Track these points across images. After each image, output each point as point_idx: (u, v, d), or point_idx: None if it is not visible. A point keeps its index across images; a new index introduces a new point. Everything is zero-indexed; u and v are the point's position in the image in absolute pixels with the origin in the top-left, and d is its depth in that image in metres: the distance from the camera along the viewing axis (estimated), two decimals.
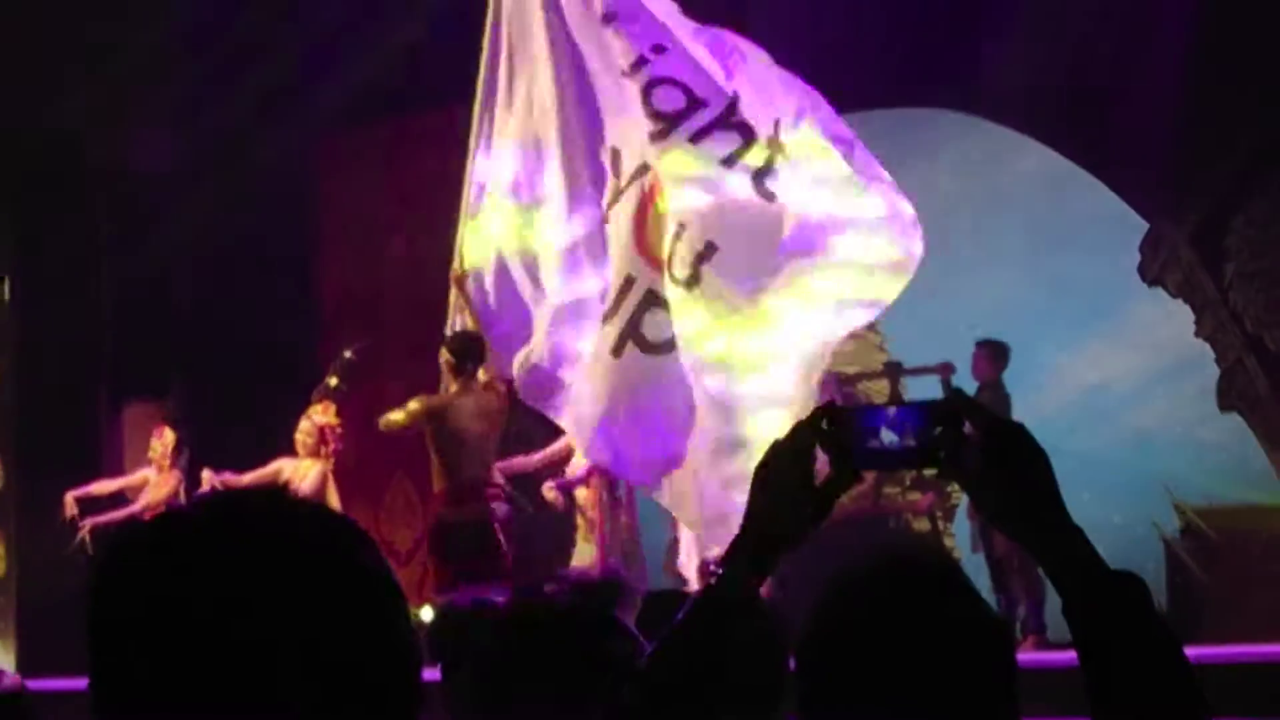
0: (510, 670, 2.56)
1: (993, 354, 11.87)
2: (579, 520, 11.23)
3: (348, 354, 12.65)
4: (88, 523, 12.18)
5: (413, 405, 10.13)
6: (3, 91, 14.49)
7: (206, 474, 11.68)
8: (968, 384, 11.48)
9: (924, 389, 12.51)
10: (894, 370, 12.95)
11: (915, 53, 13.04)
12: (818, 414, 2.13)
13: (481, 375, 10.02)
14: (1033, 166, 12.80)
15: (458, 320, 10.09)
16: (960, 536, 12.27)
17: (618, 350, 9.20)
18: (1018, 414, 11.19)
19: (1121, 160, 12.35)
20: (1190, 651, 2.00)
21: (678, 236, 8.98)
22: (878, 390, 13.02)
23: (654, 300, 9.17)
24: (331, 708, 1.28)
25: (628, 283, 9.27)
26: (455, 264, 9.95)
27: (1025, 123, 12.75)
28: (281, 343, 13.70)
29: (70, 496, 12.25)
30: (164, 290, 16.02)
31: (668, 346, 9.09)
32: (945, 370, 12.31)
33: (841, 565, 2.13)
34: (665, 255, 9.06)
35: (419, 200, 15.77)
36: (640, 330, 9.19)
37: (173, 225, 15.04)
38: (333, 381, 12.38)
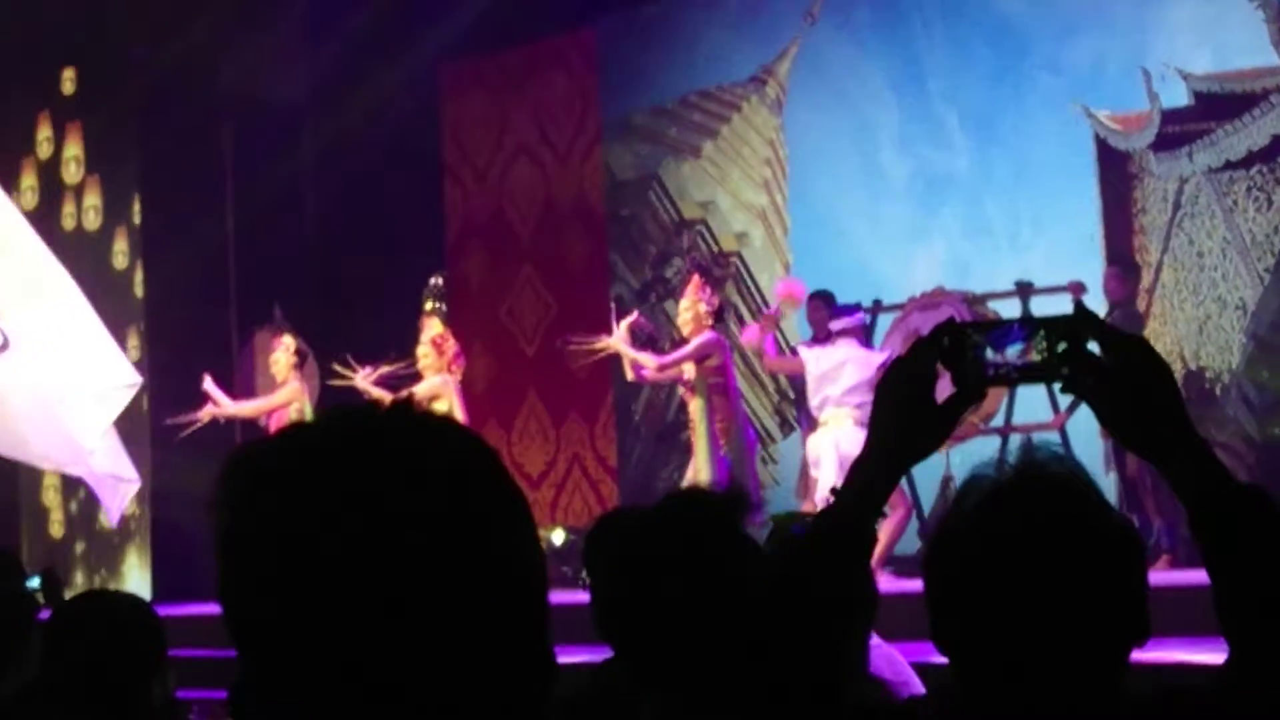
0: (639, 581, 2.57)
1: (1124, 273, 11.74)
2: (691, 435, 11.52)
3: (434, 280, 12.91)
4: (207, 410, 12.45)
5: None
6: (131, 17, 14.62)
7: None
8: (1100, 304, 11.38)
9: (1055, 309, 12.36)
10: (1024, 290, 12.81)
11: None
12: (938, 331, 2.10)
13: None
14: None
15: None
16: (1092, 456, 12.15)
17: None
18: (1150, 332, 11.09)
19: None
20: None
21: None
22: (1008, 310, 12.88)
23: None
24: (462, 633, 1.27)
25: None
26: None
27: None
28: (406, 270, 13.77)
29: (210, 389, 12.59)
30: (289, 217, 16.16)
31: None
32: (1076, 290, 12.17)
33: (970, 474, 2.12)
34: None
35: (547, 123, 15.79)
36: None
37: (298, 152, 15.15)
38: (428, 306, 12.57)
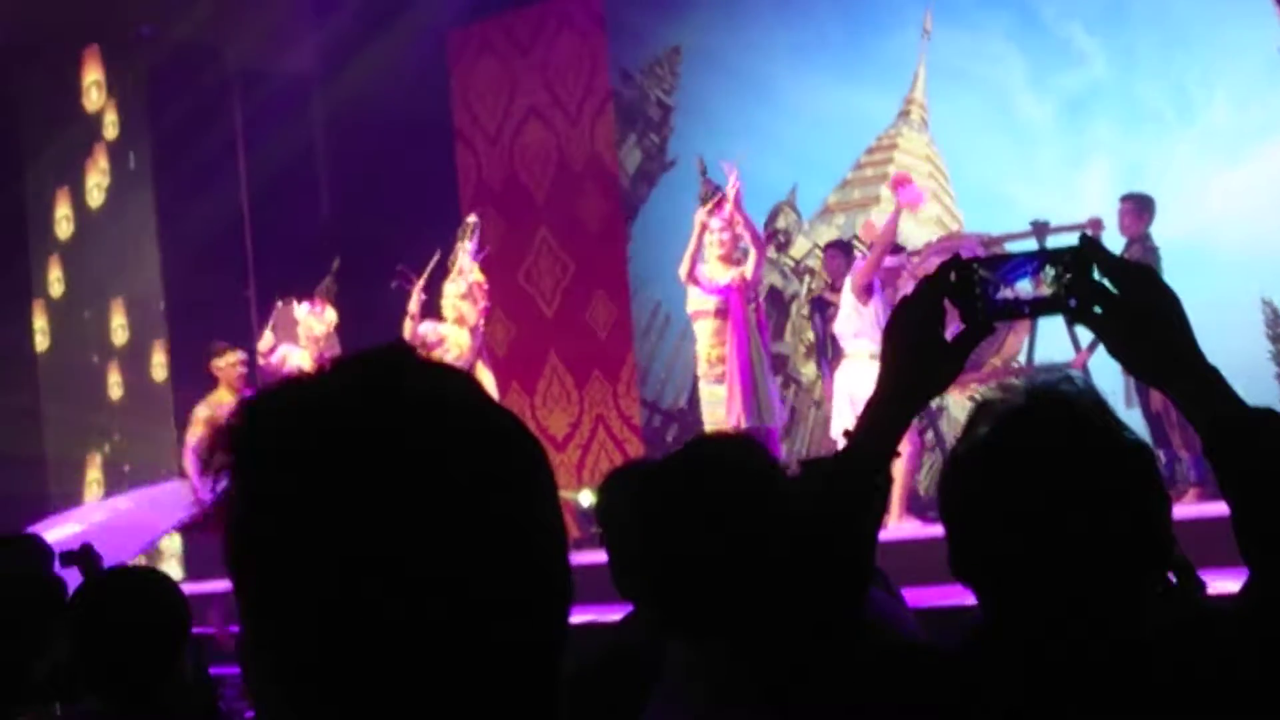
0: (651, 530, 2.56)
1: (1138, 207, 11.68)
2: (698, 361, 11.50)
3: (471, 218, 12.89)
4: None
5: None
6: None
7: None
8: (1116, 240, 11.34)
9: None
10: (1040, 229, 12.77)
11: None
12: (945, 268, 2.10)
13: None
14: None
15: None
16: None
17: None
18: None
19: None
20: None
21: None
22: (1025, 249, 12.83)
23: None
24: (482, 593, 1.23)
25: None
26: None
27: None
28: (421, 237, 13.77)
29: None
30: (302, 189, 16.17)
31: None
32: (1093, 226, 12.13)
33: (981, 399, 2.13)
34: None
35: (556, 84, 15.79)
36: None
37: (309, 123, 15.14)
38: (465, 245, 12.52)
